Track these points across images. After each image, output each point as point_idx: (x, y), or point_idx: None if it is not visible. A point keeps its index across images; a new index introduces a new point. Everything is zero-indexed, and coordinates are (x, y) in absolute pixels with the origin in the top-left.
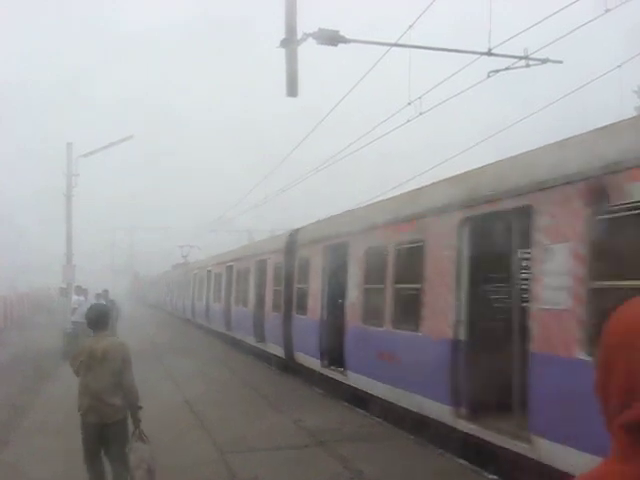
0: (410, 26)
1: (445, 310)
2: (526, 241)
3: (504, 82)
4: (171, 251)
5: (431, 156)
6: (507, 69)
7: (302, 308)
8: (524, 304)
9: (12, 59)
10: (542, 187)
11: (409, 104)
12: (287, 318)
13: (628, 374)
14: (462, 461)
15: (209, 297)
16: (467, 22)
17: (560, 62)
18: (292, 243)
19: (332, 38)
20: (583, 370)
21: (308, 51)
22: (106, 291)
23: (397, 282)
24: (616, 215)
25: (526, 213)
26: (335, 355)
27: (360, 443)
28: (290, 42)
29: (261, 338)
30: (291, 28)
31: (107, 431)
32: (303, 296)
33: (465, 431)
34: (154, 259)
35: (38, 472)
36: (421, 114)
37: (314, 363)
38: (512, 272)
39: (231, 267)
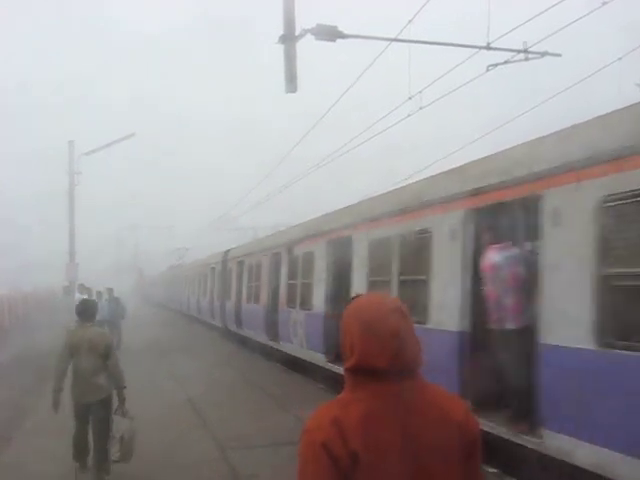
0: (410, 21)
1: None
2: None
3: (504, 75)
4: (175, 249)
5: (433, 150)
6: (506, 62)
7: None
8: None
9: (15, 58)
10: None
11: (410, 99)
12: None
13: (351, 336)
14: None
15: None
16: (466, 16)
17: (559, 55)
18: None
19: (331, 34)
20: None
21: (307, 47)
22: (111, 289)
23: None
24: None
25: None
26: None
27: None
28: (289, 38)
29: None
30: (290, 24)
31: (93, 408)
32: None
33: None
34: (158, 257)
35: (39, 470)
36: (421, 108)
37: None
38: None
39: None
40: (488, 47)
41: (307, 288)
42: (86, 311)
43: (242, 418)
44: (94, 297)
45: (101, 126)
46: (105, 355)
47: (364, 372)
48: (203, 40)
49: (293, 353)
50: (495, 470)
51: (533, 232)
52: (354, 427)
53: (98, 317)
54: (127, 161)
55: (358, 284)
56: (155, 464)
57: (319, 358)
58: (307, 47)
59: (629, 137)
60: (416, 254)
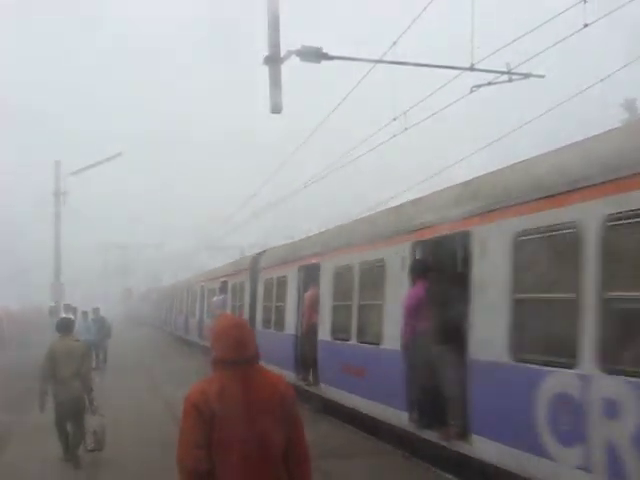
0: (394, 42)
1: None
2: None
3: (489, 97)
4: (164, 268)
5: (418, 171)
6: (490, 84)
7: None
8: None
9: (8, 67)
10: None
11: (394, 120)
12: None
13: (212, 341)
14: (450, 476)
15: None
16: (450, 38)
17: (542, 76)
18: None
19: (315, 55)
20: None
21: (294, 68)
22: (97, 309)
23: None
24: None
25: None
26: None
27: (345, 458)
28: (273, 59)
29: None
30: (274, 46)
31: (69, 405)
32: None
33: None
34: (147, 276)
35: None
36: (406, 129)
37: None
38: None
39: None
40: (472, 68)
41: (280, 310)
42: (65, 327)
43: None
44: (79, 316)
45: (93, 139)
46: (80, 362)
47: (220, 362)
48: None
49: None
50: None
51: (466, 262)
52: (213, 395)
53: (85, 337)
54: (117, 179)
55: (324, 307)
56: None
57: (291, 376)
58: (294, 68)
59: (535, 185)
60: (373, 281)
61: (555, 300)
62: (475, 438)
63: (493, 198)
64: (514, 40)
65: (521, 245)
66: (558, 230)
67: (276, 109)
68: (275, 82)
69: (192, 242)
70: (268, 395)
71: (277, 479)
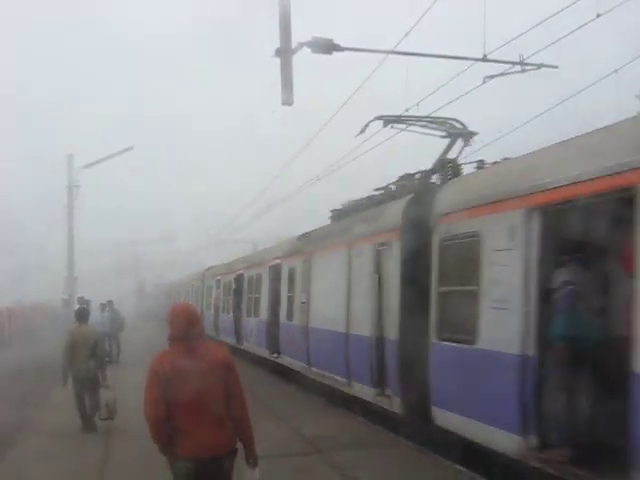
0: (406, 34)
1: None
2: None
3: (502, 87)
4: (176, 261)
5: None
6: (502, 74)
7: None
8: None
9: (15, 65)
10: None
11: (406, 111)
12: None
13: (169, 323)
14: (460, 467)
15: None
16: (463, 28)
17: (555, 67)
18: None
19: (326, 46)
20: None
21: (305, 59)
22: (110, 302)
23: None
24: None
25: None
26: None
27: (358, 450)
28: (285, 51)
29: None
30: (286, 37)
31: (86, 381)
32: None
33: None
34: (159, 270)
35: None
36: None
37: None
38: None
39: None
40: (484, 59)
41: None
42: (82, 316)
43: None
44: (93, 308)
45: (102, 136)
46: (94, 346)
47: (173, 338)
48: (202, 50)
49: (252, 351)
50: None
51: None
52: (168, 363)
53: (99, 329)
54: (128, 173)
55: (283, 298)
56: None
57: (264, 352)
58: (304, 59)
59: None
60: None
61: None
62: None
63: None
64: (527, 30)
65: None
66: None
67: (287, 101)
68: (286, 74)
69: (204, 237)
70: (209, 361)
71: (217, 419)
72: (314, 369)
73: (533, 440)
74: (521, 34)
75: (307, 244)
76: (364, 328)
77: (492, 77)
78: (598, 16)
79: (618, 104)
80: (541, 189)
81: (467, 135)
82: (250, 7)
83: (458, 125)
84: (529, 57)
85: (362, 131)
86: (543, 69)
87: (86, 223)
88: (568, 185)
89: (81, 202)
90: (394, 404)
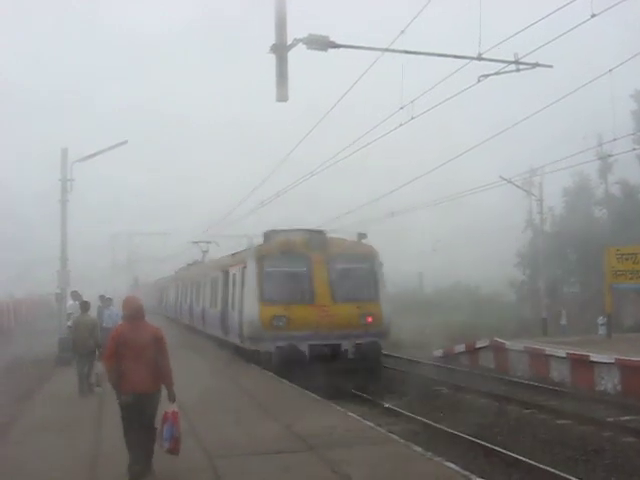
0: (402, 31)
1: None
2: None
3: (497, 86)
4: (171, 256)
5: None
6: (497, 73)
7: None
8: None
9: (12, 61)
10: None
11: (401, 108)
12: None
13: (122, 308)
14: (451, 465)
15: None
16: (458, 27)
17: (550, 66)
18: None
19: (322, 43)
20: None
21: (300, 56)
22: (110, 299)
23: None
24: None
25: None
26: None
27: (350, 447)
28: (280, 47)
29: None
30: (281, 33)
31: (86, 355)
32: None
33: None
34: (154, 264)
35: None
36: (413, 118)
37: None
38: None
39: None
40: (479, 58)
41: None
42: (84, 307)
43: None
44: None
45: (99, 131)
46: (92, 329)
47: (126, 317)
48: (201, 44)
49: (211, 333)
50: None
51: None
52: (121, 333)
53: (105, 324)
54: (122, 166)
55: (230, 295)
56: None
57: (219, 333)
58: (300, 56)
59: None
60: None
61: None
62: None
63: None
64: (522, 30)
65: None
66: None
67: (282, 98)
68: (281, 70)
69: (199, 232)
70: (147, 335)
71: (148, 369)
72: (208, 331)
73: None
74: (516, 33)
75: (220, 264)
76: (218, 307)
77: (487, 76)
78: (593, 16)
79: (613, 103)
80: (226, 265)
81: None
82: (247, 3)
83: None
84: (524, 56)
85: None
86: (538, 68)
87: (81, 217)
88: (229, 265)
89: (76, 196)
90: (230, 339)
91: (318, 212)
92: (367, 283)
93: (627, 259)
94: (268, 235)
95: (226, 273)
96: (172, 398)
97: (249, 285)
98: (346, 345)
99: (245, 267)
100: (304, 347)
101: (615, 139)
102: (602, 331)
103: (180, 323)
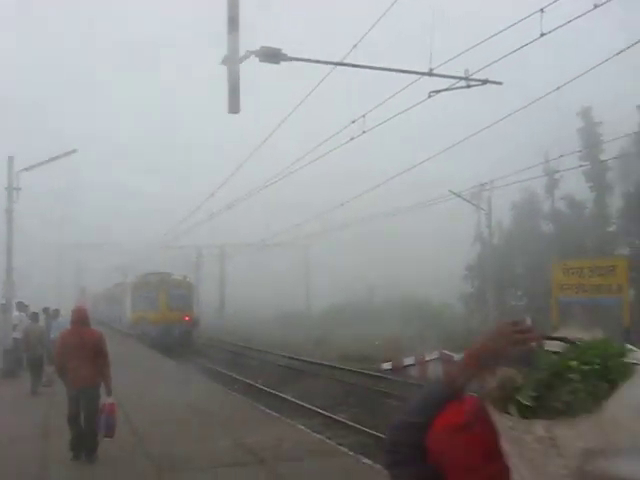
0: (354, 46)
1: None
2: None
3: (448, 102)
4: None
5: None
6: (448, 89)
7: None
8: None
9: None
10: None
11: (353, 122)
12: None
13: (71, 315)
14: None
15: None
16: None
17: (500, 83)
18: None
19: (274, 56)
20: None
21: (253, 69)
22: (57, 310)
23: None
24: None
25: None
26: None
27: (299, 461)
28: (232, 59)
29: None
30: (233, 45)
31: (34, 359)
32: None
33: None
34: (102, 275)
35: None
36: (364, 132)
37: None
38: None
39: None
40: (430, 73)
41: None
42: (35, 318)
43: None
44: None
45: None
46: (40, 337)
47: (72, 323)
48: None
49: (119, 327)
50: None
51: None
52: (65, 336)
53: (52, 336)
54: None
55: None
56: None
57: (120, 326)
58: (252, 69)
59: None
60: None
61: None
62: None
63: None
64: (472, 47)
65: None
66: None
67: (234, 109)
68: (233, 82)
69: (148, 242)
70: (89, 338)
71: (89, 367)
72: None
73: (122, 326)
74: (467, 50)
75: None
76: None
77: (437, 92)
78: (542, 35)
79: (560, 120)
80: (124, 289)
81: None
82: (201, 15)
83: None
84: (475, 73)
85: None
86: (488, 85)
87: (29, 227)
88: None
89: (22, 206)
90: (123, 329)
91: (276, 221)
92: (185, 300)
93: (573, 273)
94: (141, 275)
95: (123, 293)
96: (109, 392)
97: (127, 302)
98: (174, 331)
99: (126, 292)
100: (155, 332)
101: (562, 156)
102: None
103: (110, 325)
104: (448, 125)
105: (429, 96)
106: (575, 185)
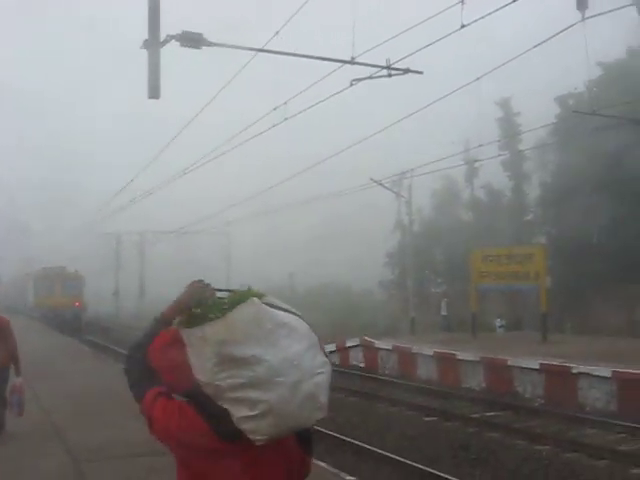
0: (277, 32)
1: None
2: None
3: (369, 90)
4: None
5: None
6: (370, 78)
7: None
8: None
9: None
10: None
11: (274, 109)
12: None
13: None
14: (321, 463)
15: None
16: (332, 31)
17: (421, 73)
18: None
19: (195, 40)
20: None
21: (174, 55)
22: None
23: None
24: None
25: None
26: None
27: (160, 455)
28: (153, 44)
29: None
30: (154, 29)
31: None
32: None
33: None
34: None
35: None
36: (286, 119)
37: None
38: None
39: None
40: (352, 62)
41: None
42: None
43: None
44: None
45: None
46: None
47: None
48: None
49: (27, 312)
50: (353, 478)
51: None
52: None
53: None
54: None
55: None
56: None
57: (26, 310)
58: (174, 55)
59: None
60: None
61: None
62: None
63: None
64: (394, 36)
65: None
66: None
67: (154, 94)
68: (154, 67)
69: (70, 226)
70: None
71: (1, 351)
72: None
73: (28, 309)
74: (388, 39)
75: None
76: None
77: (359, 80)
78: (463, 27)
79: (480, 110)
80: (28, 277)
81: None
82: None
83: None
84: (396, 62)
85: None
86: (409, 74)
87: None
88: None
89: None
90: (28, 312)
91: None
92: (76, 289)
93: (491, 261)
94: (41, 269)
95: (28, 283)
96: (18, 373)
97: (30, 289)
98: (67, 315)
99: (30, 282)
100: (52, 314)
101: (481, 145)
102: (500, 332)
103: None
104: (370, 114)
105: (351, 84)
106: (494, 174)
